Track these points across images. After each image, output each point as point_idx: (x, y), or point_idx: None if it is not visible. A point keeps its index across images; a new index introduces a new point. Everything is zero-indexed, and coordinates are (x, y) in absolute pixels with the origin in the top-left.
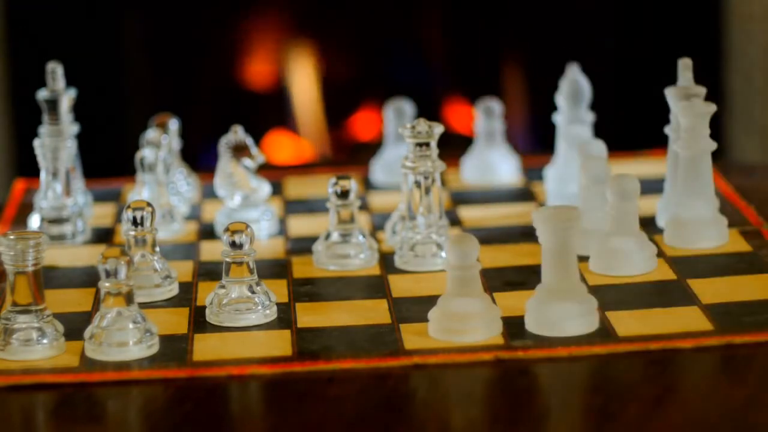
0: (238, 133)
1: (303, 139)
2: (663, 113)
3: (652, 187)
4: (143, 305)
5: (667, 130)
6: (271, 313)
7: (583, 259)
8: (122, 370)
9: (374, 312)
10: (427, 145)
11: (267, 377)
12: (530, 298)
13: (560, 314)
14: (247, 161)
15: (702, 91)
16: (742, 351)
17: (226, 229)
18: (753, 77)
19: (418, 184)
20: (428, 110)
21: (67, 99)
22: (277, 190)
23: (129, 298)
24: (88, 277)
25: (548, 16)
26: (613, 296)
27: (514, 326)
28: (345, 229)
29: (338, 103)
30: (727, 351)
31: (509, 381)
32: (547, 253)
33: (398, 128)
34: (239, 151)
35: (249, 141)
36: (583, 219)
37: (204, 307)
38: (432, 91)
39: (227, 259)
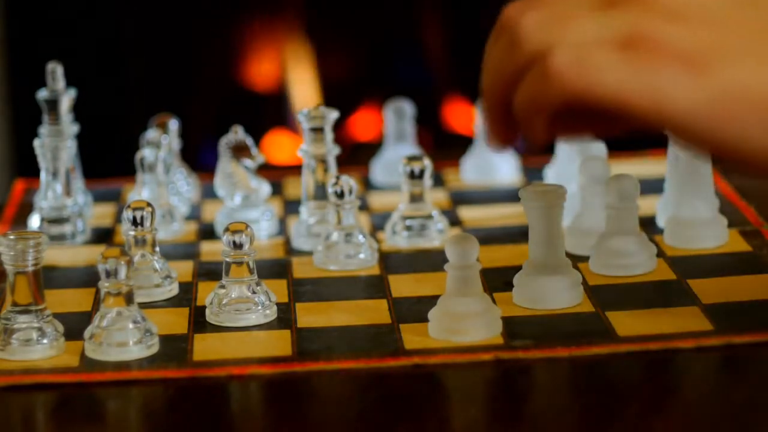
0: (238, 133)
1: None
2: None
3: (652, 187)
4: (143, 305)
5: None
6: (271, 313)
7: (583, 259)
8: (122, 370)
9: (374, 312)
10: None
11: (267, 377)
12: (518, 273)
13: (547, 288)
14: (247, 161)
15: None
16: (742, 351)
17: (226, 229)
18: None
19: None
20: (428, 110)
21: (67, 99)
22: (277, 190)
23: (129, 298)
24: (88, 277)
25: None
26: (613, 296)
27: (514, 326)
28: (345, 229)
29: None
30: (727, 351)
31: (509, 381)
32: (533, 230)
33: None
34: (239, 151)
35: (249, 141)
36: (583, 219)
37: (204, 307)
38: (432, 91)
39: (227, 259)
